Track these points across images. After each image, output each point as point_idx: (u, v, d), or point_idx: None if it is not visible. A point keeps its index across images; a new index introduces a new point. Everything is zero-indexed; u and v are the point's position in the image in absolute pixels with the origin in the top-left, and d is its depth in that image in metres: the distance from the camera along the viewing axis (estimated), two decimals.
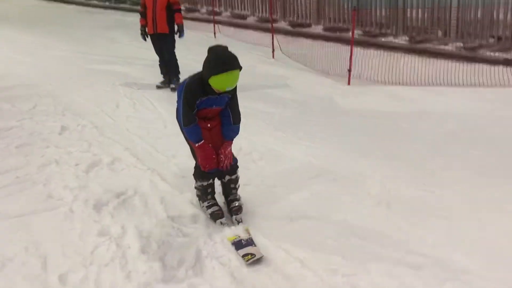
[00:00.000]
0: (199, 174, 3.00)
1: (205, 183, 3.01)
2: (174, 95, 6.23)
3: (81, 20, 14.10)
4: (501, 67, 6.82)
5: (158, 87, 6.50)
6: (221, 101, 2.83)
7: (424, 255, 2.52)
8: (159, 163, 3.93)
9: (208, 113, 2.88)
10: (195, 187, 3.09)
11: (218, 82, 2.59)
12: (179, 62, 6.53)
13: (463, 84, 6.25)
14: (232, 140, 2.99)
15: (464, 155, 3.91)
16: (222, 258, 2.54)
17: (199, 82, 2.70)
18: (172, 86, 6.41)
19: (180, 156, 4.00)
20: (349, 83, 6.55)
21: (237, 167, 3.12)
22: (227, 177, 3.07)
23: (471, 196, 3.20)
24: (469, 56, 7.82)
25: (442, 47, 8.63)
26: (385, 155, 3.99)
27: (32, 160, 4.00)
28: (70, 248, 2.65)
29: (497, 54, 7.77)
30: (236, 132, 2.98)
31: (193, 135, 2.82)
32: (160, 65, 6.56)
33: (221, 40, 9.70)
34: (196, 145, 2.84)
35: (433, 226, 2.83)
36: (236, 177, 3.11)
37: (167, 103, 5.74)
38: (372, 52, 7.22)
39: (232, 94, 2.84)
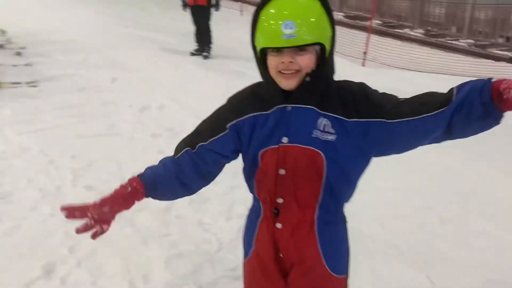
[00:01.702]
0: None
1: None
2: (207, 62, 7.12)
3: None
4: (503, 63, 7.49)
5: (192, 54, 7.26)
6: (302, 123, 1.15)
7: None
8: (200, 111, 4.71)
9: (268, 166, 1.20)
10: None
11: (266, 26, 1.09)
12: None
13: (466, 75, 6.94)
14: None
15: None
16: None
17: (251, 90, 1.25)
18: (205, 54, 7.18)
19: None
20: (363, 65, 7.27)
21: None
22: None
23: None
24: (477, 52, 8.48)
25: (454, 42, 9.27)
26: None
27: (92, 100, 4.82)
28: (137, 159, 3.47)
29: (504, 52, 8.43)
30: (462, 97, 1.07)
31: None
32: (195, 34, 7.30)
33: (248, 18, 10.41)
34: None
35: None
36: None
37: (201, 68, 6.53)
38: (388, 41, 7.89)
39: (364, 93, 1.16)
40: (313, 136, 1.14)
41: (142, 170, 1.31)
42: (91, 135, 3.87)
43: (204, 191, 2.99)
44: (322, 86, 1.14)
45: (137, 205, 1.22)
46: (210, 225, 2.67)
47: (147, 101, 4.84)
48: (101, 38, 7.81)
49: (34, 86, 5.05)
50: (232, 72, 6.35)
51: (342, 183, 1.19)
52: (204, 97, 5.17)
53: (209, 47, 7.26)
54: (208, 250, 2.45)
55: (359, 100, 1.14)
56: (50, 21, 8.82)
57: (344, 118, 1.13)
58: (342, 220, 1.28)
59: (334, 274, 1.25)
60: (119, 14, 10.19)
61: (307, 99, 1.14)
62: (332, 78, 1.17)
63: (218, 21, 9.35)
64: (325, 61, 1.12)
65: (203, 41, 7.25)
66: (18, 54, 6.30)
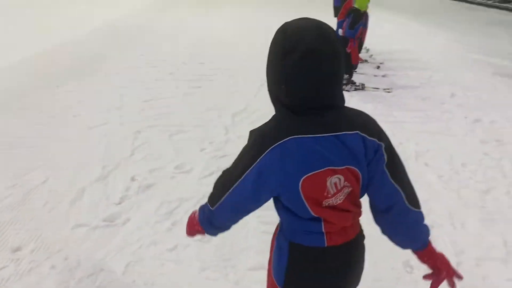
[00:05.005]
0: None
1: None
2: None
3: (459, 14, 15.43)
4: None
5: None
6: None
7: None
8: None
9: None
10: None
11: None
12: None
13: None
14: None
15: None
16: None
17: None
18: None
19: None
20: None
21: None
22: None
23: None
24: None
25: None
26: None
27: (431, 107, 5.89)
28: (468, 155, 4.33)
29: None
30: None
31: None
32: None
33: None
34: None
35: None
36: None
37: None
38: None
39: None
40: None
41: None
42: (430, 132, 4.96)
43: None
44: None
45: None
46: None
47: (479, 116, 5.55)
48: (447, 59, 8.76)
49: (388, 92, 6.55)
50: None
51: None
52: None
53: None
54: None
55: None
56: (403, 42, 10.40)
57: None
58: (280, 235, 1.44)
59: (273, 277, 1.47)
60: (463, 39, 10.85)
61: None
62: None
63: None
64: None
65: None
66: (378, 67, 8.03)
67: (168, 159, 4.14)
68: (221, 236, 2.95)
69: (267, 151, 1.23)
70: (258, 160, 1.24)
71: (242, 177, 1.28)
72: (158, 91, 6.27)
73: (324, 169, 1.24)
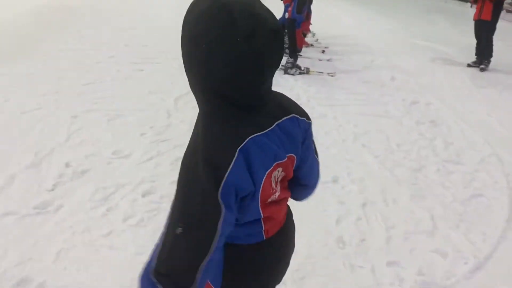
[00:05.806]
0: None
1: None
2: (481, 74, 7.39)
3: (402, 1, 15.94)
4: None
5: (469, 65, 7.70)
6: None
7: None
8: (464, 113, 5.38)
9: None
10: None
11: None
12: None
13: None
14: None
15: None
16: None
17: None
18: (482, 66, 7.51)
19: None
20: None
21: None
22: None
23: None
24: None
25: None
26: None
27: (372, 90, 6.07)
28: (400, 135, 4.51)
29: None
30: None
31: None
32: (476, 48, 7.69)
33: None
34: None
35: None
36: None
37: (473, 78, 6.98)
38: None
39: None
40: None
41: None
42: (370, 115, 5.11)
43: None
44: None
45: None
46: None
47: (416, 98, 5.78)
48: (386, 45, 9.02)
49: (332, 76, 6.67)
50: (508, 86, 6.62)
51: None
52: (468, 105, 5.75)
53: (489, 61, 7.54)
54: None
55: None
56: (349, 27, 10.60)
57: None
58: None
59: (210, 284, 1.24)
60: (407, 26, 11.23)
61: None
62: None
63: (507, 35, 9.33)
64: None
65: (483, 55, 7.58)
66: (323, 52, 8.15)
67: (105, 144, 4.00)
68: (158, 220, 3.04)
69: (231, 166, 1.01)
70: (221, 185, 1.00)
71: (219, 221, 1.03)
72: (98, 75, 6.04)
73: (274, 164, 1.14)
